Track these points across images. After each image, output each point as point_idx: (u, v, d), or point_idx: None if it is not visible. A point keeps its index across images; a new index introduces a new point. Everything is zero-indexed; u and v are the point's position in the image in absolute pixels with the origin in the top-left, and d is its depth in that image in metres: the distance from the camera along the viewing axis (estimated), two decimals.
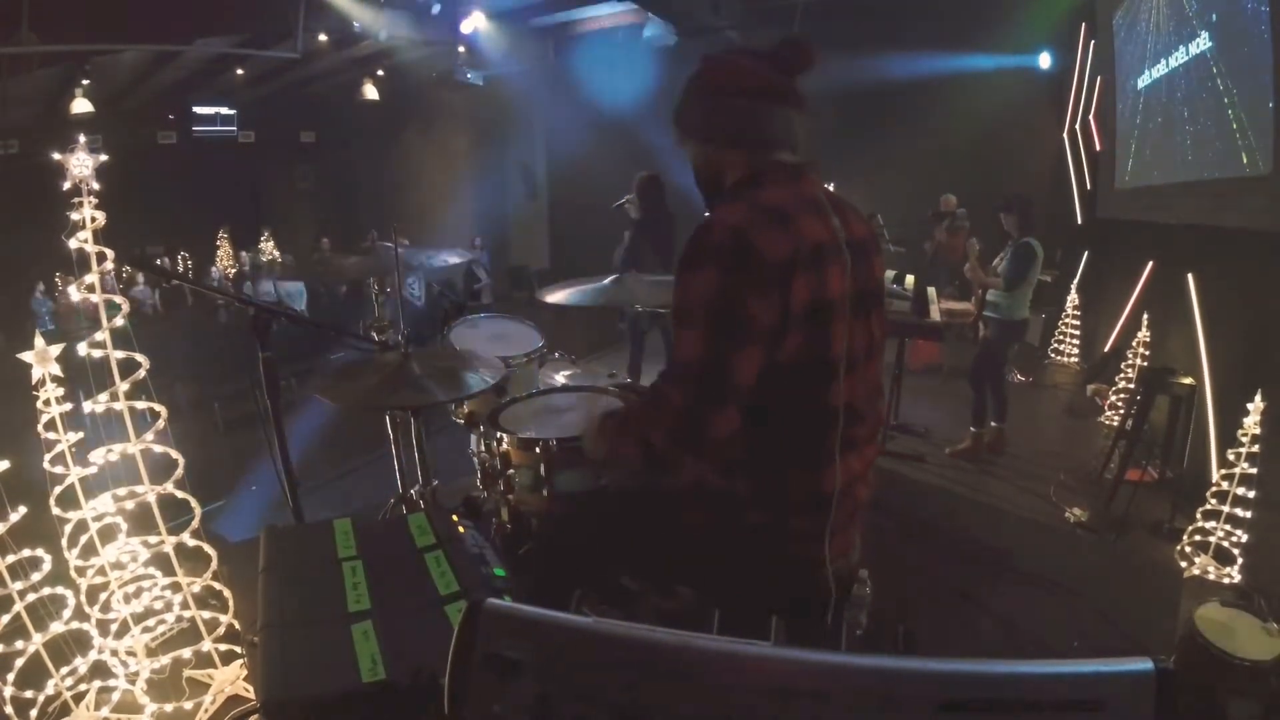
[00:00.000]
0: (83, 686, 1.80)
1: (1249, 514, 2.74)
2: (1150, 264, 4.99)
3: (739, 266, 1.15)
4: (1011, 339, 4.32)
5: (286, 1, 6.40)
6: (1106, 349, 5.54)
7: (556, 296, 2.56)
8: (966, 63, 6.68)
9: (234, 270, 10.61)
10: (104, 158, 1.74)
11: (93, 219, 1.71)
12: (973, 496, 3.80)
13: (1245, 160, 3.51)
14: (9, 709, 1.68)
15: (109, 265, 1.74)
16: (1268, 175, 3.29)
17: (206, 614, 1.94)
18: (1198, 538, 2.86)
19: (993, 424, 4.25)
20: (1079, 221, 6.49)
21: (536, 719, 0.67)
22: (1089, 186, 6.28)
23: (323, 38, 7.34)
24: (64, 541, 1.77)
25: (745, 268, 1.15)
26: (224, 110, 9.98)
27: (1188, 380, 3.52)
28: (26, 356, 1.69)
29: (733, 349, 1.15)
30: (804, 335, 1.19)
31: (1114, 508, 3.39)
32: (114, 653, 1.84)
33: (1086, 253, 6.29)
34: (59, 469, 1.74)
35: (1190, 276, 4.10)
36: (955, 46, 6.63)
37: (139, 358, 1.78)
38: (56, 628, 1.71)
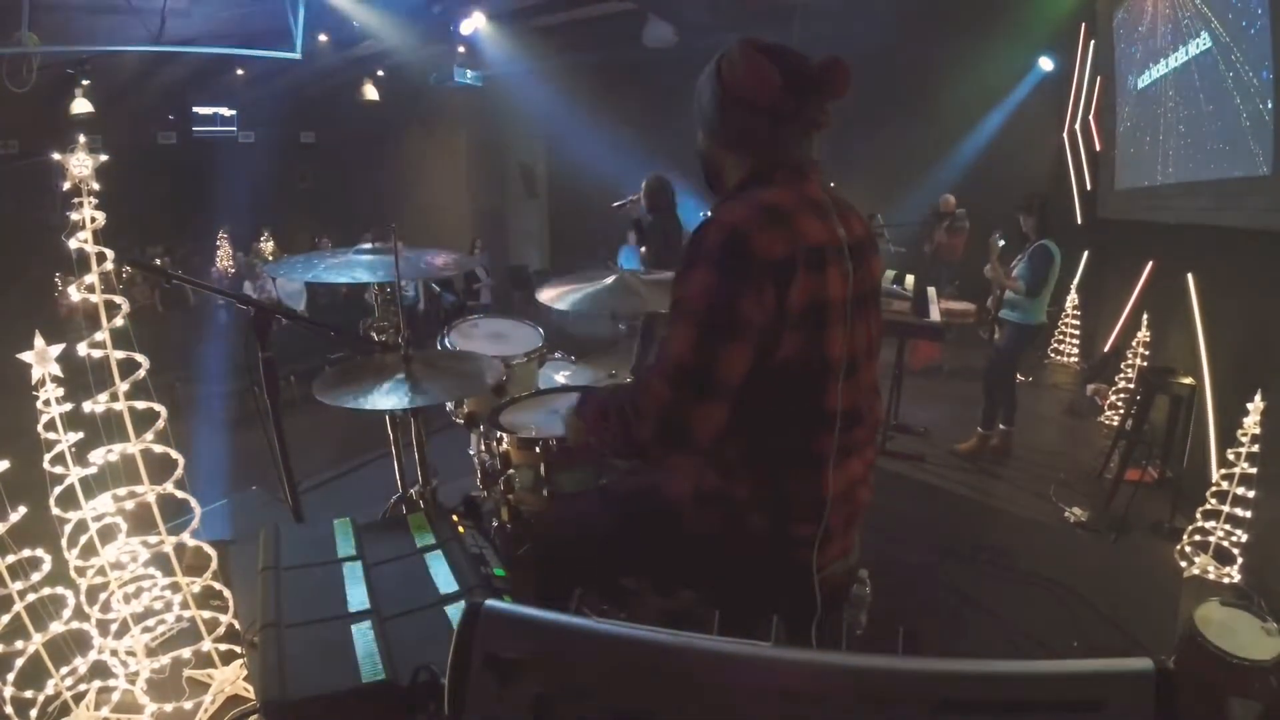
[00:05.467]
0: (83, 686, 1.79)
1: (1249, 514, 2.74)
2: (1150, 264, 4.99)
3: (735, 265, 1.15)
4: (1027, 343, 4.28)
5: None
6: (1106, 349, 5.54)
7: (549, 296, 2.37)
8: (966, 65, 6.68)
9: (233, 270, 10.60)
10: (104, 158, 1.74)
11: (92, 219, 1.71)
12: (973, 496, 3.80)
13: (1245, 160, 3.51)
14: (9, 709, 1.68)
15: (109, 265, 1.74)
16: (1268, 175, 3.29)
17: (206, 614, 1.94)
18: (1198, 538, 2.86)
19: (1000, 427, 4.23)
20: (1079, 221, 6.49)
21: (536, 719, 0.67)
22: (1089, 186, 6.28)
23: (323, 38, 7.33)
24: (64, 541, 1.76)
25: (741, 267, 1.14)
26: (224, 110, 9.97)
27: (1188, 380, 3.52)
28: (26, 356, 1.69)
29: (721, 346, 1.15)
30: (802, 336, 1.19)
31: (1114, 508, 3.39)
32: (114, 653, 1.84)
33: (1086, 253, 6.28)
34: (59, 469, 1.74)
35: (1190, 276, 4.10)
36: (955, 47, 6.63)
37: (139, 358, 1.78)
38: (56, 628, 1.71)
